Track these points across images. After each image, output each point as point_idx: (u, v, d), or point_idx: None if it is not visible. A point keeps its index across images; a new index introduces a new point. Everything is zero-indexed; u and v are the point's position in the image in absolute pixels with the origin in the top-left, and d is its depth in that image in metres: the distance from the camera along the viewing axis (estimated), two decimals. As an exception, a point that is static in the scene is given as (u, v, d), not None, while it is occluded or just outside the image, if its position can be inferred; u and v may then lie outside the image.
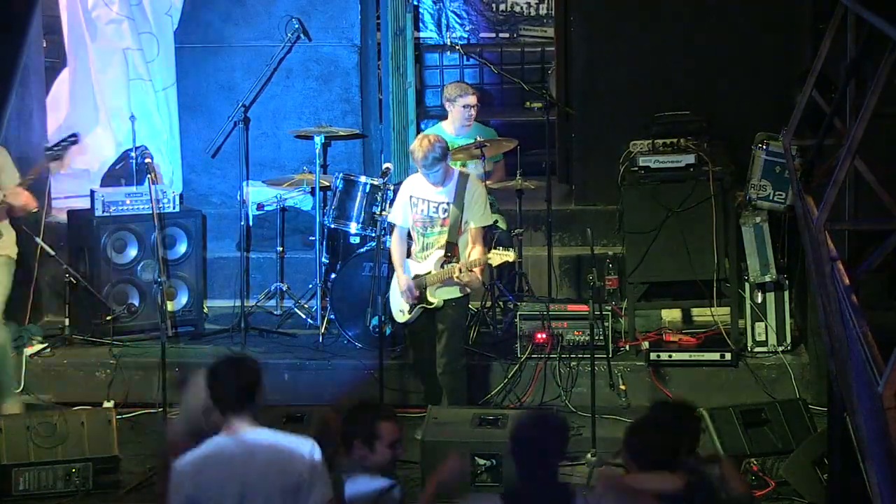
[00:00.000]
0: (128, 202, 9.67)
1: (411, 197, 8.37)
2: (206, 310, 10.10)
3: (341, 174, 9.59)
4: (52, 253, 9.48)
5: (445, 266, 8.29)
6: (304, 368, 9.30)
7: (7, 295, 8.73)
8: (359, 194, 9.41)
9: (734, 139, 9.71)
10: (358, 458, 5.49)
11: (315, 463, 5.13)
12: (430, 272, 8.32)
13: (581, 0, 10.89)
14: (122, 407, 8.93)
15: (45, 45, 10.49)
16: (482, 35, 15.89)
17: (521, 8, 15.91)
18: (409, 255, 8.50)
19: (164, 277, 8.11)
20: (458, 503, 5.48)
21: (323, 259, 9.76)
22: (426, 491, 5.58)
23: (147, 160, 8.57)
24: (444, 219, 8.32)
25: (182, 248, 9.89)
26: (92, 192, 9.54)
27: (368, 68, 10.82)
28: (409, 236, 8.50)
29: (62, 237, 9.96)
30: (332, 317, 9.55)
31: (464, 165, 9.43)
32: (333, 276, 9.54)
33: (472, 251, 8.24)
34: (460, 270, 8.17)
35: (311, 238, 9.92)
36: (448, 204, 8.30)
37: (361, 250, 9.41)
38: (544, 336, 9.12)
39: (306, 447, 5.16)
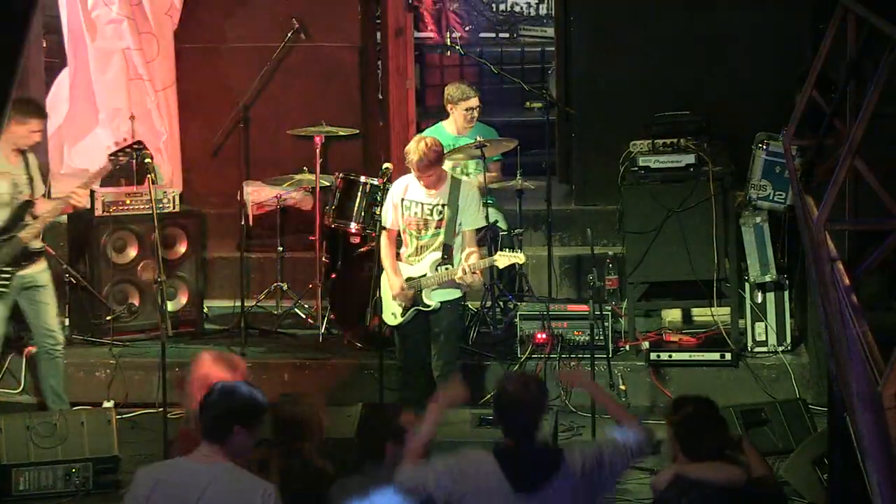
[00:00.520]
0: (128, 202, 9.68)
1: (403, 200, 8.33)
2: (206, 310, 10.11)
3: (341, 174, 9.59)
4: (52, 253, 9.47)
5: (441, 268, 8.26)
6: (304, 368, 9.30)
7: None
8: (359, 194, 9.40)
9: (734, 139, 9.70)
10: (392, 459, 5.55)
11: None
12: (425, 275, 8.30)
13: (581, 0, 10.89)
14: (122, 407, 8.93)
15: (45, 45, 10.49)
16: (482, 35, 15.91)
17: (521, 8, 15.93)
18: (398, 258, 8.45)
19: (164, 277, 8.09)
20: (453, 455, 5.50)
21: (323, 259, 9.76)
22: (428, 417, 5.65)
23: (147, 160, 8.57)
24: (440, 220, 8.29)
25: (182, 248, 9.89)
26: (92, 191, 9.54)
27: (368, 68, 10.83)
28: (398, 240, 8.45)
29: (62, 237, 9.96)
30: (331, 317, 9.54)
31: (465, 172, 9.44)
32: (333, 276, 9.54)
33: (470, 254, 8.22)
34: (464, 272, 8.16)
35: (311, 238, 9.92)
36: (443, 206, 8.27)
37: (361, 250, 9.40)
38: (544, 336, 9.13)
39: (259, 491, 5.05)
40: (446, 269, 8.25)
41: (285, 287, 10.06)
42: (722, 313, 9.30)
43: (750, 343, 9.22)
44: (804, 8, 9.91)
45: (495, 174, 9.77)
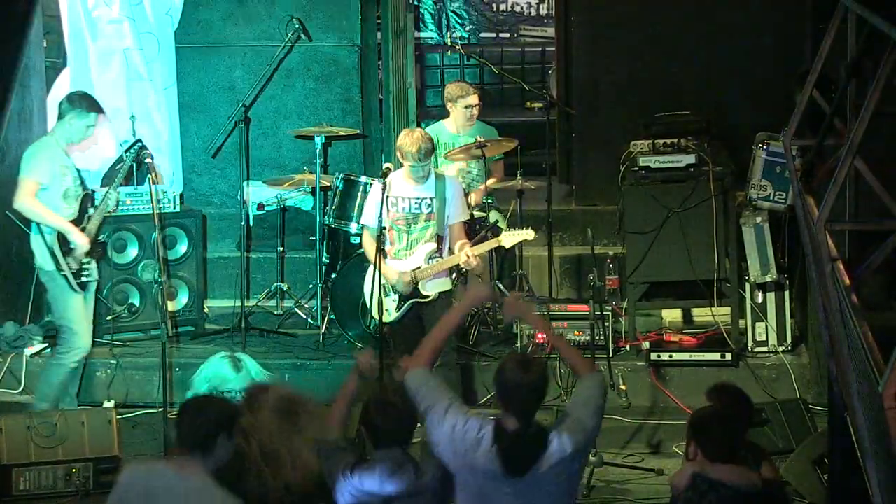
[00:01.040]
0: (128, 202, 9.68)
1: (388, 197, 8.31)
2: (206, 310, 10.11)
3: (342, 174, 9.60)
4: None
5: (435, 259, 8.30)
6: (305, 368, 9.30)
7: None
8: (359, 194, 9.41)
9: (734, 139, 9.71)
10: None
11: None
12: (419, 267, 8.33)
13: (581, 0, 10.90)
14: (122, 407, 8.93)
15: (45, 45, 10.49)
16: (482, 35, 15.92)
17: (522, 8, 15.94)
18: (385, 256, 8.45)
19: (164, 277, 8.09)
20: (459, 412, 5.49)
21: (323, 259, 9.76)
22: (452, 313, 5.71)
23: (148, 160, 8.57)
24: (430, 213, 8.32)
25: (182, 248, 9.90)
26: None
27: (369, 68, 10.83)
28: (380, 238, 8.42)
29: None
30: (332, 317, 9.55)
31: (465, 177, 9.45)
32: (334, 276, 9.54)
33: (463, 244, 8.28)
34: (467, 256, 8.19)
35: (312, 238, 9.92)
36: (431, 199, 8.31)
37: (361, 250, 9.40)
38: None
39: None
40: (441, 258, 8.28)
41: (285, 287, 10.07)
42: (722, 313, 9.30)
43: (750, 343, 9.23)
44: (804, 8, 9.91)
45: (499, 176, 9.78)
